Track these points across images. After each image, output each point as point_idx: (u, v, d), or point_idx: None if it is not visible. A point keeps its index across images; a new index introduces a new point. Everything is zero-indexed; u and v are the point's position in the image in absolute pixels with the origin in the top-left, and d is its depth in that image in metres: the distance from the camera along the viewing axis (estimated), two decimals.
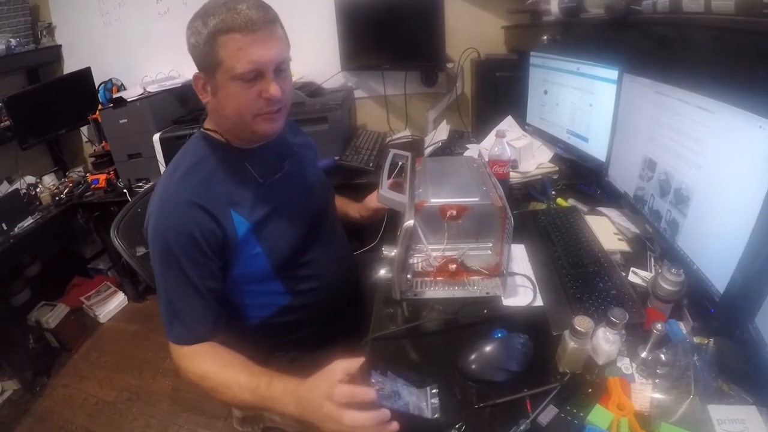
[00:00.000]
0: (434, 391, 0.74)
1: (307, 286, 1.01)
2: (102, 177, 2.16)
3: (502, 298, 0.97)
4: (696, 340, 0.77)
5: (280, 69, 0.84)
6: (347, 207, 1.30)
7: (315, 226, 1.03)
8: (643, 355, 0.76)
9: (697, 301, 0.85)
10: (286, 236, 0.95)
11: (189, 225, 0.82)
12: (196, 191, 0.84)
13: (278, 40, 0.82)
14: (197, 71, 0.85)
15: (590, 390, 0.74)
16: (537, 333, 0.85)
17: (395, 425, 0.65)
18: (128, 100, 1.99)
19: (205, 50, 0.79)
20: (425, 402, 0.72)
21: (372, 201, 1.25)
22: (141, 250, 1.11)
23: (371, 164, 1.79)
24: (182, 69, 2.28)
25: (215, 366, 0.80)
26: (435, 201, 0.96)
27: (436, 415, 0.70)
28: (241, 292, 0.96)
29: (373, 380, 0.69)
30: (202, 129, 0.96)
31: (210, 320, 0.86)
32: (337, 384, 0.66)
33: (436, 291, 1.00)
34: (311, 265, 1.01)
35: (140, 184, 2.09)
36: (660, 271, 0.86)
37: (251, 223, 0.89)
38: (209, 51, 0.79)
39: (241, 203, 0.89)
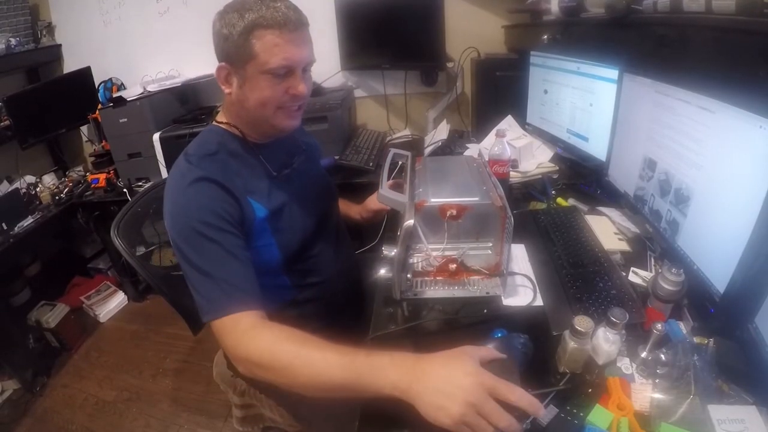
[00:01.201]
0: None
1: (312, 280, 1.02)
2: (102, 176, 2.17)
3: (502, 297, 0.96)
4: (696, 340, 0.77)
5: (306, 70, 0.89)
6: (348, 209, 1.32)
7: (321, 223, 1.05)
8: (643, 355, 0.76)
9: (697, 301, 0.85)
10: (299, 229, 0.97)
11: (208, 200, 0.81)
12: (214, 172, 0.85)
13: (309, 43, 0.87)
14: (222, 62, 0.87)
15: (590, 390, 0.74)
16: (537, 333, 0.85)
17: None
18: (128, 99, 1.99)
19: (240, 42, 0.81)
20: None
21: (373, 202, 1.26)
22: (141, 250, 1.11)
23: (371, 164, 1.79)
24: (182, 68, 2.29)
25: (288, 342, 0.69)
26: (435, 201, 0.96)
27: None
28: None
29: None
30: (215, 122, 0.97)
31: (255, 285, 0.80)
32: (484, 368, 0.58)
33: (436, 291, 1.00)
34: (316, 260, 1.02)
35: (140, 183, 2.09)
36: (660, 271, 0.86)
37: (269, 210, 0.91)
38: (243, 43, 0.81)
39: (257, 192, 0.91)
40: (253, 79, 0.84)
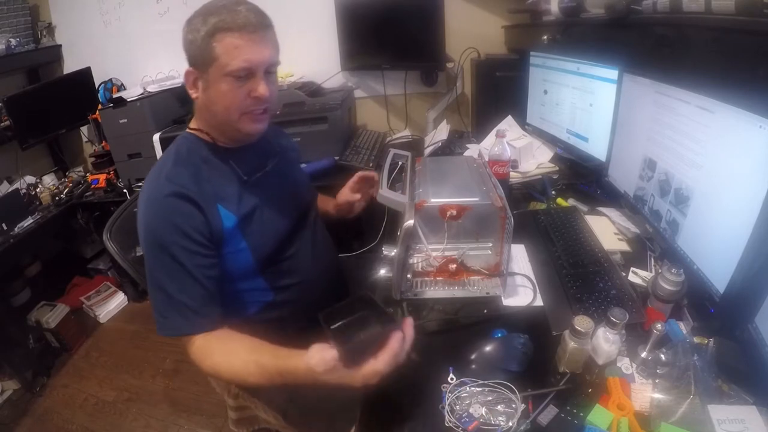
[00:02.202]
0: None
1: (289, 281, 1.01)
2: (102, 177, 2.16)
3: (502, 298, 0.97)
4: (696, 340, 0.77)
5: (270, 72, 0.88)
6: (326, 204, 1.29)
7: (298, 224, 1.05)
8: (643, 355, 0.76)
9: (697, 301, 0.85)
10: (271, 232, 0.97)
11: (177, 216, 0.83)
12: (183, 185, 0.85)
13: (271, 44, 0.87)
14: (189, 67, 0.88)
15: (590, 390, 0.74)
16: (537, 333, 0.85)
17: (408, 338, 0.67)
18: (128, 100, 1.99)
19: (203, 46, 0.83)
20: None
21: (342, 195, 1.23)
22: (139, 251, 1.11)
23: (371, 164, 1.79)
24: (182, 69, 2.28)
25: (224, 358, 0.80)
26: (435, 201, 0.97)
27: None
28: (225, 291, 0.95)
29: None
30: (187, 129, 0.98)
31: (211, 308, 0.85)
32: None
33: (436, 291, 1.00)
34: (293, 261, 1.01)
35: (140, 184, 2.09)
36: (660, 271, 0.86)
37: (238, 216, 0.90)
38: (207, 47, 0.83)
39: (227, 198, 0.91)
40: (216, 82, 0.85)
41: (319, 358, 0.65)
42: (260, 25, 0.84)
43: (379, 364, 0.64)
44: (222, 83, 0.84)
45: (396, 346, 0.65)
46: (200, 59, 0.85)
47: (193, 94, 0.91)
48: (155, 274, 0.84)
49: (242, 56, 0.82)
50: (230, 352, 0.81)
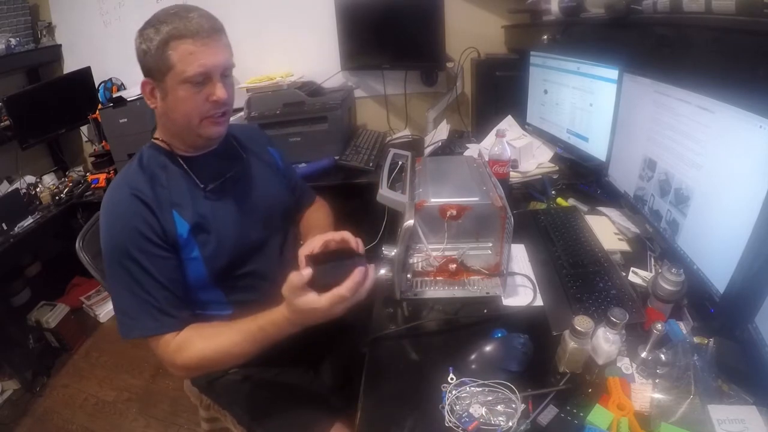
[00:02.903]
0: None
1: (248, 297, 0.97)
2: (102, 176, 2.16)
3: (502, 298, 0.97)
4: (696, 340, 0.77)
5: (225, 75, 0.89)
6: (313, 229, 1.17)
7: (263, 237, 1.01)
8: (643, 355, 0.76)
9: (697, 301, 0.85)
10: (227, 244, 0.93)
11: (135, 220, 0.84)
12: (139, 189, 0.87)
13: (225, 48, 0.88)
14: (145, 77, 0.89)
15: (590, 390, 0.74)
16: (537, 333, 0.85)
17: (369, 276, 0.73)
18: (128, 99, 1.99)
19: (158, 55, 0.84)
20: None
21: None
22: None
23: (371, 164, 1.79)
24: None
25: (207, 342, 0.83)
26: (435, 201, 0.97)
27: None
28: (189, 299, 0.94)
29: None
30: (152, 140, 0.98)
31: (177, 308, 0.86)
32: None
33: (436, 291, 1.00)
34: (253, 277, 0.98)
35: None
36: (660, 271, 0.86)
37: (191, 224, 0.89)
38: (161, 56, 0.83)
39: (182, 205, 0.90)
40: (174, 90, 0.85)
41: (293, 275, 0.71)
42: (212, 30, 0.85)
43: (342, 289, 0.69)
44: (180, 90, 0.85)
45: (359, 276, 0.71)
46: (156, 68, 0.85)
47: (151, 104, 0.91)
48: (119, 278, 0.84)
49: (198, 62, 0.83)
50: (210, 335, 0.84)
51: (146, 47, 0.85)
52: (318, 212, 1.24)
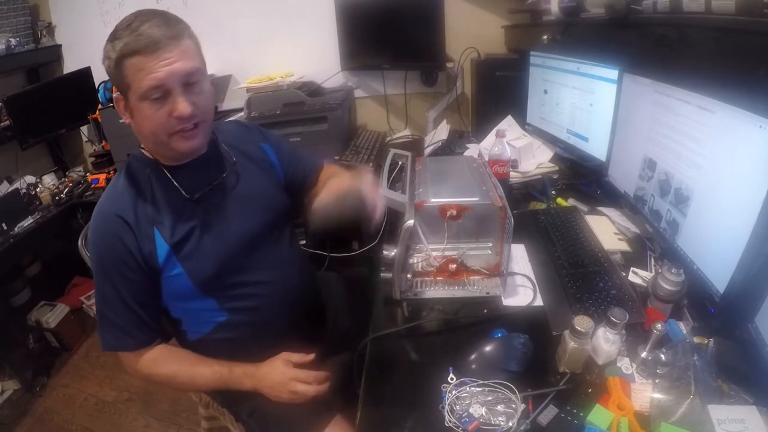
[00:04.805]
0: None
1: (242, 304, 0.96)
2: (102, 177, 2.16)
3: (502, 298, 0.97)
4: (696, 340, 0.78)
5: (191, 82, 0.82)
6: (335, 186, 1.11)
7: (252, 245, 0.97)
8: (643, 355, 0.76)
9: (697, 301, 0.85)
10: (212, 256, 0.91)
11: (116, 241, 0.84)
12: (121, 207, 0.86)
13: (183, 54, 0.80)
14: (116, 93, 0.86)
15: (590, 390, 0.74)
16: (537, 333, 0.85)
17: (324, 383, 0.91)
18: None
19: (116, 73, 0.80)
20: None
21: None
22: None
23: (371, 164, 1.79)
24: None
25: (181, 366, 0.92)
26: (435, 201, 0.97)
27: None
28: (177, 309, 0.95)
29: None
30: (139, 148, 0.96)
31: (141, 330, 0.89)
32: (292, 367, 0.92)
33: (436, 291, 1.00)
34: (247, 287, 0.96)
35: None
36: (660, 271, 0.86)
37: (171, 245, 0.87)
38: (119, 74, 0.80)
39: (164, 221, 0.88)
40: (137, 108, 0.82)
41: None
42: (165, 38, 0.78)
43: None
44: (142, 107, 0.81)
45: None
46: (118, 86, 0.83)
47: (125, 119, 0.88)
48: (97, 288, 0.89)
49: (149, 77, 0.78)
50: (182, 360, 0.93)
51: (107, 64, 0.81)
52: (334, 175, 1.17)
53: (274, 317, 0.99)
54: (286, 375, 0.91)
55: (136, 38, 0.77)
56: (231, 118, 1.92)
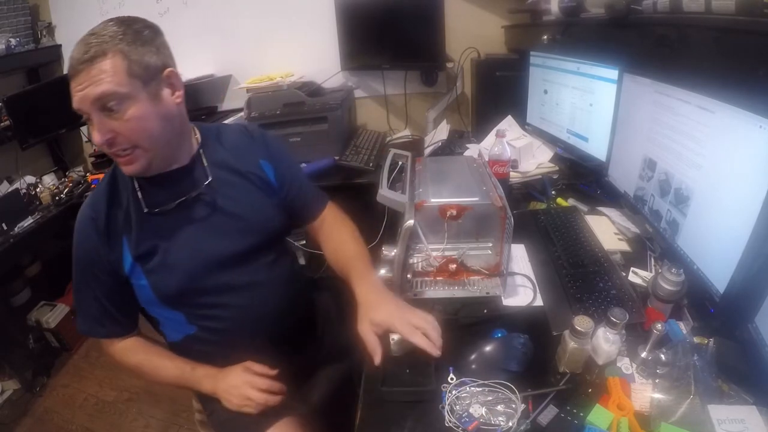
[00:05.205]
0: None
1: (210, 324, 0.94)
2: (102, 177, 2.16)
3: (502, 298, 0.97)
4: (696, 340, 0.78)
5: (109, 108, 0.75)
6: (343, 264, 1.01)
7: (223, 266, 0.91)
8: (643, 355, 0.76)
9: (697, 301, 0.85)
10: (176, 273, 0.88)
11: (88, 242, 0.87)
12: (98, 214, 0.87)
13: (94, 78, 0.74)
14: None
15: (590, 390, 0.74)
16: (537, 333, 0.85)
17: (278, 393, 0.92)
18: None
19: None
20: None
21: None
22: None
23: (371, 164, 1.79)
24: (182, 68, 2.28)
25: (147, 358, 0.95)
26: (435, 201, 0.97)
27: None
28: (152, 311, 0.96)
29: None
30: None
31: (113, 322, 0.92)
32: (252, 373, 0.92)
33: (436, 291, 1.00)
34: (214, 307, 0.93)
35: None
36: (660, 271, 0.86)
37: (134, 257, 0.86)
38: None
39: (131, 233, 0.87)
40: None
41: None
42: (78, 64, 0.74)
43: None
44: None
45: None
46: None
47: None
48: (73, 280, 0.91)
49: (73, 98, 0.76)
50: (151, 352, 0.96)
51: None
52: (341, 233, 1.07)
53: (244, 341, 0.95)
54: (242, 378, 0.91)
55: (70, 56, 0.76)
56: (232, 120, 1.92)
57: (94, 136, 0.77)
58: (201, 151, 0.94)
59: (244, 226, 0.94)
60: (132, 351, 0.95)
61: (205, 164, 0.93)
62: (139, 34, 0.79)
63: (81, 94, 0.75)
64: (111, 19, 0.80)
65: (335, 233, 1.08)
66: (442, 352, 0.78)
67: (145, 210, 0.87)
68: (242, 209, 0.95)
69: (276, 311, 0.98)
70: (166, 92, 0.83)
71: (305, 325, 1.11)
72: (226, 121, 1.82)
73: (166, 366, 0.94)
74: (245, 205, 0.96)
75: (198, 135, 0.96)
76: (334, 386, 1.10)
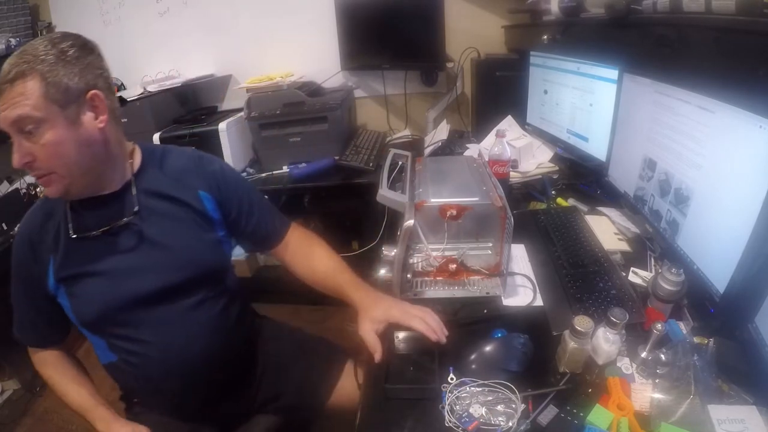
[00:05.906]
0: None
1: (130, 358, 0.90)
2: None
3: (502, 298, 0.97)
4: (696, 340, 0.77)
5: (27, 131, 0.73)
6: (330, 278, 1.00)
7: (145, 301, 0.87)
8: (643, 355, 0.76)
9: (697, 301, 0.85)
10: (95, 302, 0.86)
11: (21, 250, 0.88)
12: (33, 226, 0.88)
13: (13, 99, 0.71)
14: None
15: (590, 390, 0.74)
16: (537, 333, 0.85)
17: None
18: (128, 99, 1.98)
19: None
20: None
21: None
22: None
23: (371, 164, 1.79)
24: (182, 68, 2.28)
25: (57, 376, 0.95)
26: (435, 201, 0.97)
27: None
28: (80, 331, 0.94)
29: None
30: None
31: (37, 331, 0.95)
32: None
33: (436, 291, 1.00)
34: (134, 342, 0.89)
35: None
36: (660, 271, 0.86)
37: (57, 278, 0.86)
38: None
39: (57, 254, 0.86)
40: None
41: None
42: (3, 82, 0.72)
43: None
44: None
45: None
46: None
47: None
48: (11, 287, 0.92)
49: None
50: (63, 375, 0.96)
51: None
52: (313, 251, 1.05)
53: (167, 379, 0.91)
54: None
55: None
56: (232, 120, 1.91)
57: (13, 157, 0.75)
58: (133, 177, 0.89)
59: (171, 259, 0.89)
60: (45, 364, 0.97)
61: (134, 192, 0.88)
62: (63, 54, 0.75)
63: (1, 116, 0.72)
64: (45, 36, 0.78)
65: (306, 252, 1.05)
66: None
67: (73, 235, 0.84)
68: (171, 240, 0.90)
69: (203, 354, 0.92)
70: (88, 116, 0.78)
71: (239, 371, 1.03)
72: (225, 121, 1.82)
73: (71, 392, 0.93)
74: (175, 237, 0.91)
75: (139, 158, 0.93)
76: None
